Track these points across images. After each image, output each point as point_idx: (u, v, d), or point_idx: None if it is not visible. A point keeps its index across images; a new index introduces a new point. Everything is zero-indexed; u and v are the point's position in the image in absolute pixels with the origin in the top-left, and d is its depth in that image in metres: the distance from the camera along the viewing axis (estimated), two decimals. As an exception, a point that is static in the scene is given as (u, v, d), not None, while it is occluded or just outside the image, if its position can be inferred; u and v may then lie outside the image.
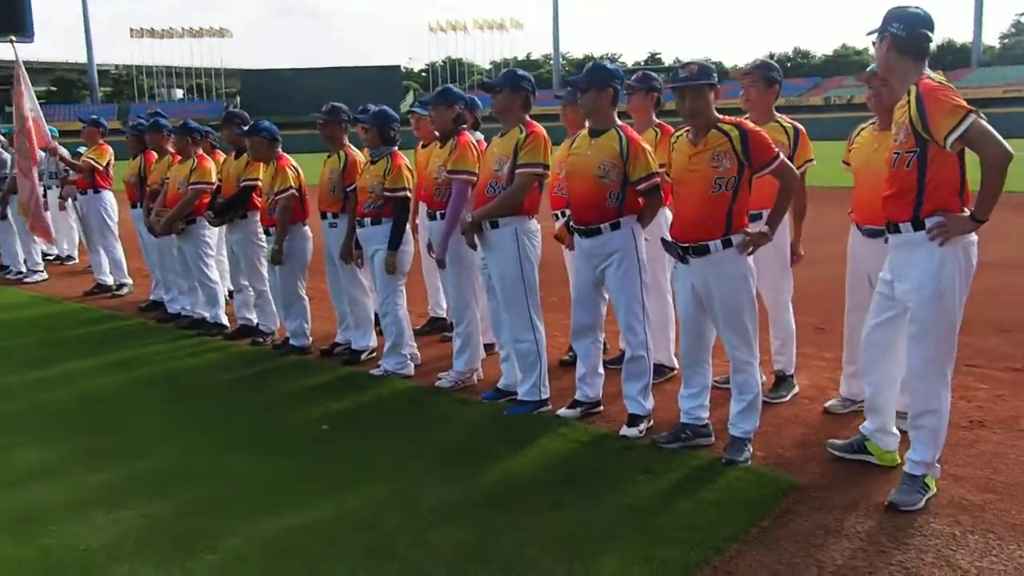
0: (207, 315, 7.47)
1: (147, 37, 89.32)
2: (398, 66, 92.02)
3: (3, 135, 11.12)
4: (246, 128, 6.61)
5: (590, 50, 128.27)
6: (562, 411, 4.89)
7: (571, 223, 4.78)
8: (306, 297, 6.70)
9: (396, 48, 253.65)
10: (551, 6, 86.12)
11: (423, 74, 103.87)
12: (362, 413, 5.25)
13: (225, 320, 7.44)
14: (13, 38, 9.58)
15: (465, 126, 5.59)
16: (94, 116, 9.53)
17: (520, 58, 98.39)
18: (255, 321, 7.17)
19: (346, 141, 6.31)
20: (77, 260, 11.55)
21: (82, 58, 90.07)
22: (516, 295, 4.96)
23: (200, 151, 7.22)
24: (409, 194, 5.85)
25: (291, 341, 6.66)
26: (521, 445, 4.50)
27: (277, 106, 68.07)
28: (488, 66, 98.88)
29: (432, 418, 5.09)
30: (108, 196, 9.20)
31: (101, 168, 9.03)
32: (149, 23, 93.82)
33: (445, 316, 7.12)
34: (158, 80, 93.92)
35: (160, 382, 6.05)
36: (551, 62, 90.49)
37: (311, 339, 6.73)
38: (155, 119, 7.76)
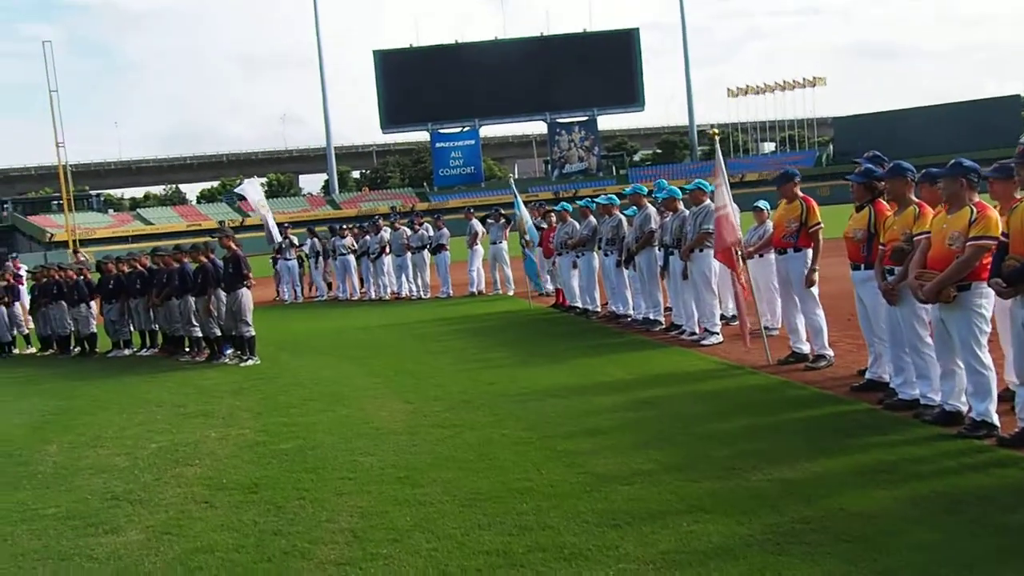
0: (968, 409, 5.74)
1: (742, 95, 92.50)
2: (1017, 95, 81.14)
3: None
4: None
5: None
6: None
7: None
8: None
9: (1004, 79, 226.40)
10: None
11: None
12: None
13: (996, 419, 5.62)
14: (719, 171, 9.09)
15: None
16: (787, 169, 8.54)
17: None
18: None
19: None
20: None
21: (683, 121, 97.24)
22: None
23: (976, 198, 5.56)
24: None
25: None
26: None
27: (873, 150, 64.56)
28: None
29: None
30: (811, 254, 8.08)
31: (823, 226, 8.01)
32: (744, 82, 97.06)
33: None
34: (751, 135, 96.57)
35: (954, 510, 4.45)
36: None
37: None
38: (896, 164, 6.34)
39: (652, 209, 10.99)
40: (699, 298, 9.99)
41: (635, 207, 11.30)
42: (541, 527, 4.62)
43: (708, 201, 9.68)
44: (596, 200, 12.42)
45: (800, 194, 8.15)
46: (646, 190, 11.38)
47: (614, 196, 12.26)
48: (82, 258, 16.02)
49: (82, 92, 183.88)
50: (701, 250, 9.66)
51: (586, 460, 5.75)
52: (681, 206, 10.26)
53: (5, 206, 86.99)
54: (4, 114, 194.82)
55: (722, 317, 10.36)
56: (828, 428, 6.17)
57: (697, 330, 10.22)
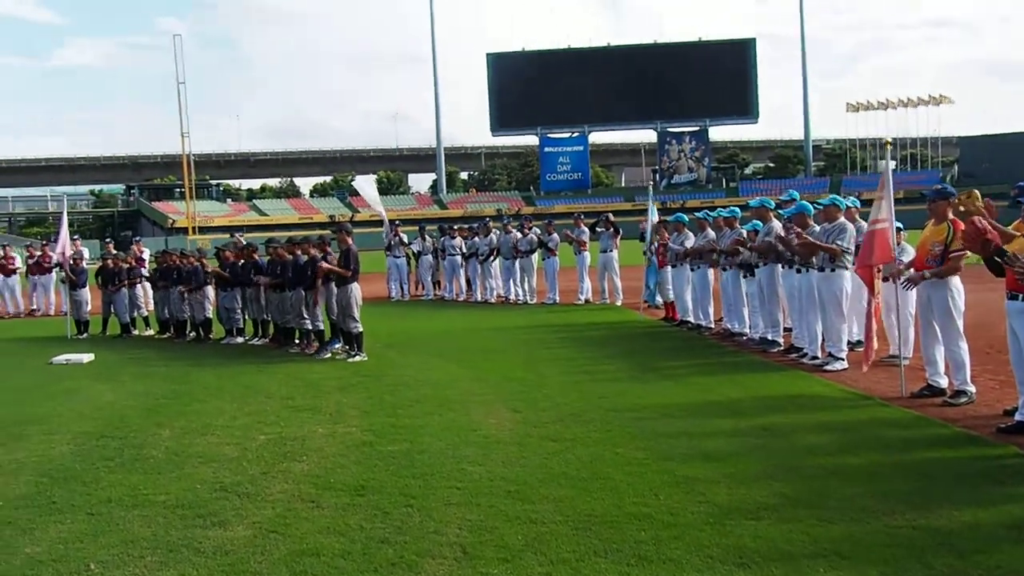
0: None
1: (862, 111, 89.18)
2: None
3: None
4: None
5: None
6: None
7: None
8: None
9: None
10: None
11: None
12: None
13: None
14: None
15: None
16: (940, 187, 7.95)
17: None
18: None
19: None
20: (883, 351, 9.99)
21: (797, 135, 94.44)
22: None
23: None
24: None
25: None
26: None
27: (1003, 174, 61.15)
28: None
29: None
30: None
31: (968, 255, 7.40)
32: (862, 96, 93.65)
33: None
34: (868, 152, 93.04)
35: None
36: None
37: None
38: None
39: (777, 224, 10.47)
40: (826, 320, 9.44)
41: (759, 221, 10.81)
42: (662, 559, 4.31)
43: (842, 218, 9.16)
44: (717, 212, 11.96)
45: (951, 215, 7.56)
46: (773, 204, 10.86)
47: (736, 209, 11.78)
48: (242, 241, 16.47)
49: (205, 83, 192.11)
50: (834, 269, 9.13)
51: (707, 488, 5.40)
52: (812, 222, 9.72)
53: (132, 191, 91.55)
54: (136, 102, 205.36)
55: (847, 342, 9.77)
56: (974, 473, 5.64)
57: (820, 354, 9.67)
